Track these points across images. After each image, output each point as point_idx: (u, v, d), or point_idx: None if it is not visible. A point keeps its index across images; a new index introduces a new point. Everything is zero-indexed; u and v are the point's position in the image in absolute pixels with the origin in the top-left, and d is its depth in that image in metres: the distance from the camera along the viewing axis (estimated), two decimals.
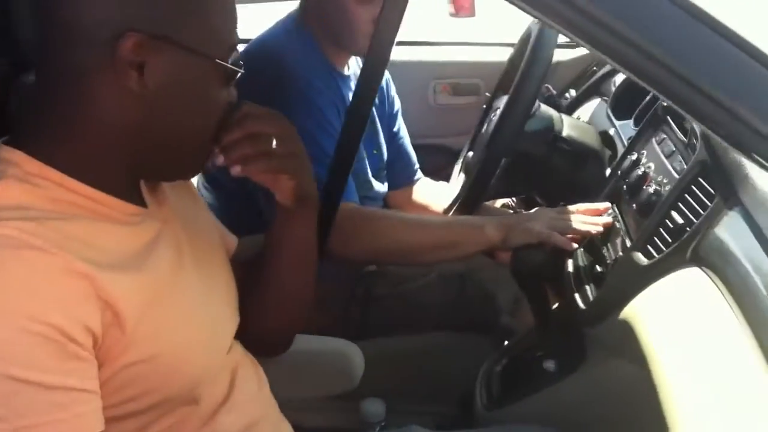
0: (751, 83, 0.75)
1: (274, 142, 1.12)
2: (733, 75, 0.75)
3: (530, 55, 1.82)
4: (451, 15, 3.09)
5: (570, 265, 1.66)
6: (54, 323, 0.86)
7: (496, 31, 3.15)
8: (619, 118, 2.13)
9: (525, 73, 1.80)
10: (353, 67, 1.94)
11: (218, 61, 1.03)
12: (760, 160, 0.77)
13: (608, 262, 1.53)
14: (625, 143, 1.94)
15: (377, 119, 2.05)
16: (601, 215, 1.65)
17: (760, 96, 0.75)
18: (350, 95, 1.82)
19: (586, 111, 2.40)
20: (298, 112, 1.55)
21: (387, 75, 2.03)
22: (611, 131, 2.11)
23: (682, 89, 0.75)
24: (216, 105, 1.08)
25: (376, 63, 1.54)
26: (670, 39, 0.75)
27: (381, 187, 2.05)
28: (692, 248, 1.26)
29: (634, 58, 0.76)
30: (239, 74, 1.07)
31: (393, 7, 1.47)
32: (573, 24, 0.77)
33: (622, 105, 2.16)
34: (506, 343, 1.93)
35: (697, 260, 1.25)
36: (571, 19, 0.76)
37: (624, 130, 2.04)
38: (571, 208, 1.70)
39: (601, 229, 1.62)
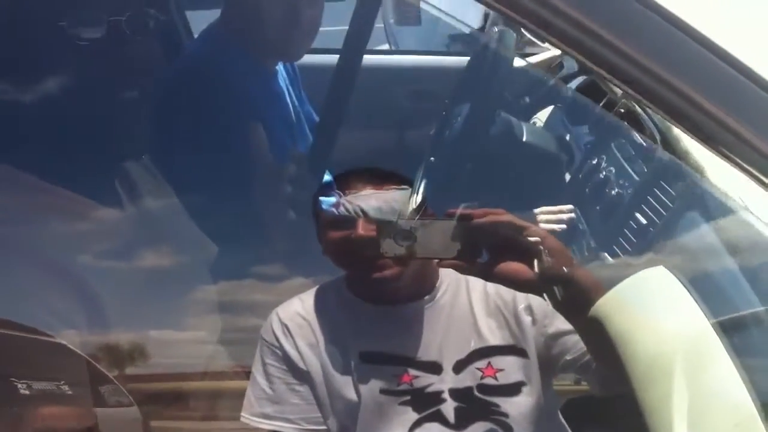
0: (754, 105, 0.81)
1: None
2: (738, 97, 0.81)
3: (492, 61, 1.86)
4: (397, 24, 3.12)
5: (536, 266, 1.71)
6: None
7: None
8: (573, 124, 2.19)
9: (488, 79, 1.85)
10: None
11: None
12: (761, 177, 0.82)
13: (574, 263, 1.58)
14: (582, 148, 2.00)
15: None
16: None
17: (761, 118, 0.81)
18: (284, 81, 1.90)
19: (540, 117, 2.46)
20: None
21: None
22: (567, 137, 2.16)
23: (690, 111, 0.80)
24: None
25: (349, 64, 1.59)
26: (676, 61, 0.81)
27: None
28: (656, 248, 1.32)
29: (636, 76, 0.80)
30: None
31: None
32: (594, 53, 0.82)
33: (577, 111, 2.22)
34: None
35: (662, 259, 1.30)
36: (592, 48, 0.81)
37: (579, 135, 2.10)
38: (534, 211, 1.75)
39: (564, 226, 1.67)
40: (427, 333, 1.33)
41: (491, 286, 1.33)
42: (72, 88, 1.40)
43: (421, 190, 2.11)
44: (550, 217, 1.71)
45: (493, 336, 1.33)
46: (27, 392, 1.21)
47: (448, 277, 1.36)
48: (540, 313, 1.33)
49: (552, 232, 1.71)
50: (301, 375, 1.33)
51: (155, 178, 1.59)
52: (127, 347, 1.30)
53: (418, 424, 1.30)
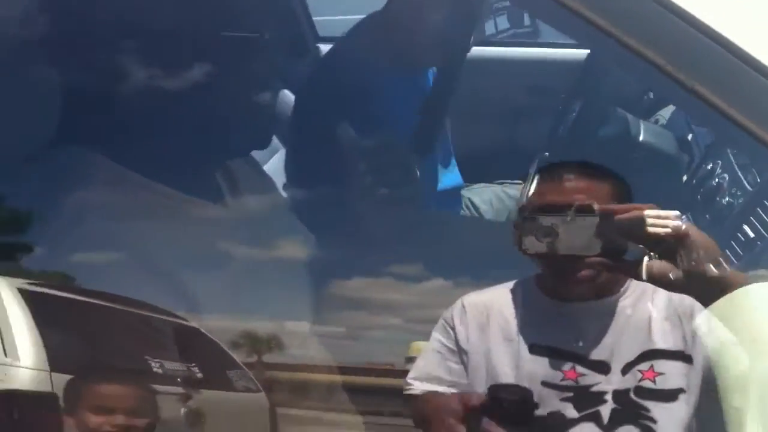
0: None
1: None
2: None
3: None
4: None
5: (682, 263, 1.71)
6: None
7: None
8: (697, 124, 2.15)
9: (606, 74, 1.85)
10: None
11: None
12: None
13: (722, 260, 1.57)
14: (702, 150, 1.97)
15: None
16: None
17: None
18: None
19: (663, 114, 2.42)
20: None
21: None
22: (689, 137, 2.13)
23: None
24: None
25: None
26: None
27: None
28: (763, 263, 1.31)
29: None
30: None
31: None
32: None
33: (700, 110, 2.17)
34: None
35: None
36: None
37: (702, 136, 2.06)
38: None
39: (669, 230, 1.65)
40: (603, 332, 1.34)
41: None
42: (202, 85, 1.47)
43: (534, 185, 2.13)
44: (656, 222, 1.71)
45: (664, 340, 1.32)
46: (160, 371, 1.33)
47: None
48: None
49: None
50: (462, 354, 1.38)
51: (300, 172, 1.68)
52: (264, 336, 1.37)
53: (575, 422, 1.32)
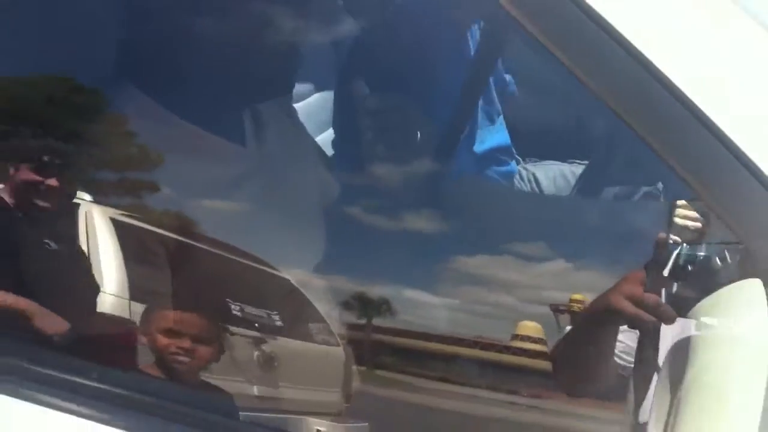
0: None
1: None
2: None
3: None
4: None
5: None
6: None
7: None
8: None
9: None
10: None
11: None
12: None
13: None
14: None
15: None
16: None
17: None
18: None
19: None
20: None
21: None
22: None
23: None
24: None
25: None
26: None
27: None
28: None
29: None
30: None
31: None
32: None
33: None
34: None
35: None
36: None
37: None
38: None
39: (698, 225, 1.64)
40: None
41: None
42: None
43: (599, 167, 2.13)
44: (687, 213, 1.71)
45: None
46: (239, 314, 1.38)
47: None
48: None
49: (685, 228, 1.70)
50: None
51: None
52: (376, 299, 1.39)
53: None
